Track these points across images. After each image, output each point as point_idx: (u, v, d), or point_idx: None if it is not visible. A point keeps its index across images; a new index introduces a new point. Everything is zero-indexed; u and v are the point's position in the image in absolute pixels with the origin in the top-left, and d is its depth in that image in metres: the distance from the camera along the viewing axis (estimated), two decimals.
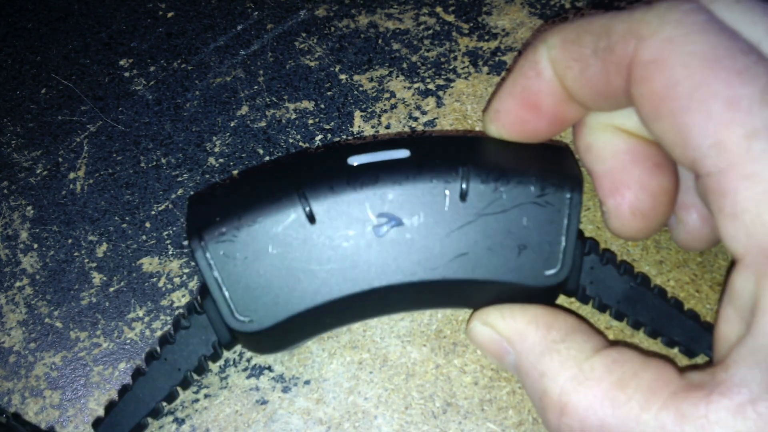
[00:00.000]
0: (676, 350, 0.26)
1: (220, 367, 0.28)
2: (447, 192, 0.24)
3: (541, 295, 0.25)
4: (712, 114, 0.18)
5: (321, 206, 0.24)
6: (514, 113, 0.25)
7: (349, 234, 0.24)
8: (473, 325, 0.25)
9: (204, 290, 0.25)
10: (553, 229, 0.24)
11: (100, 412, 0.28)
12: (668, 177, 0.24)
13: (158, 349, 0.26)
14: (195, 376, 0.26)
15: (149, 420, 0.26)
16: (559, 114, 0.24)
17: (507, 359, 0.24)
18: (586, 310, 0.28)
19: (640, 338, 0.27)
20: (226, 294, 0.24)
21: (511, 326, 0.24)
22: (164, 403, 0.26)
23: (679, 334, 0.25)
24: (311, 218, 0.24)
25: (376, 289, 0.24)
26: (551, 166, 0.25)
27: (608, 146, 0.24)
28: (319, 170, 0.25)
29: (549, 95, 0.24)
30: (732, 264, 0.20)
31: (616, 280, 0.26)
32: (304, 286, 0.24)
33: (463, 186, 0.24)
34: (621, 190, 0.24)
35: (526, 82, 0.24)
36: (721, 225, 0.19)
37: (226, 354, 0.28)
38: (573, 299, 0.27)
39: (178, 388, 0.26)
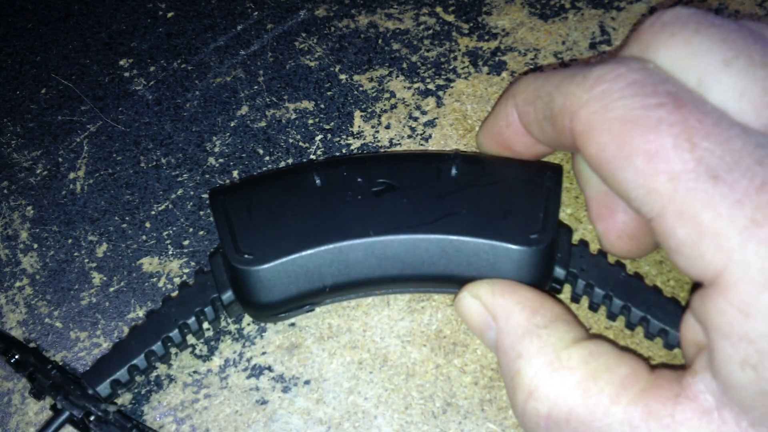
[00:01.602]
0: (675, 351, 0.26)
1: (220, 367, 0.28)
2: (439, 166, 0.27)
3: (529, 268, 0.25)
4: (637, 168, 0.20)
5: (326, 173, 0.27)
6: (494, 149, 0.29)
7: (349, 194, 0.27)
8: (462, 296, 0.25)
9: (213, 251, 0.27)
10: (536, 199, 0.26)
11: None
12: None
13: (160, 304, 0.27)
14: (190, 336, 0.27)
15: (137, 375, 0.27)
16: (531, 152, 0.28)
17: (488, 334, 0.25)
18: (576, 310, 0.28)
19: (620, 334, 0.27)
20: (233, 234, 0.26)
21: (498, 302, 0.24)
22: (156, 361, 0.27)
23: (671, 322, 0.25)
24: (317, 181, 0.27)
25: (371, 243, 0.26)
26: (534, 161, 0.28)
27: (593, 174, 0.26)
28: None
29: (519, 142, 0.27)
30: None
31: (608, 269, 0.27)
32: (307, 234, 0.26)
33: (454, 164, 0.27)
34: (607, 215, 0.26)
35: (499, 128, 0.27)
36: (672, 260, 0.20)
37: (224, 353, 0.28)
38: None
39: (173, 348, 0.27)
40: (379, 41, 0.36)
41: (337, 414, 0.27)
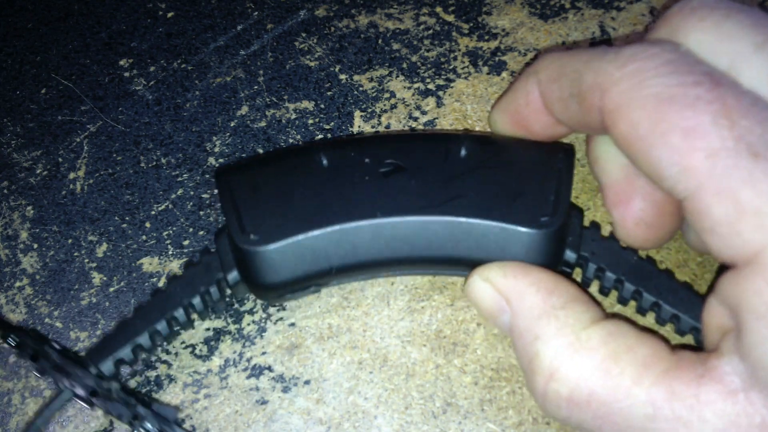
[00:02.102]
0: (688, 337, 0.26)
1: (220, 367, 0.28)
2: (448, 147, 0.27)
3: (539, 251, 0.25)
4: (673, 144, 0.20)
5: (333, 153, 0.27)
6: (509, 127, 0.28)
7: (356, 175, 0.26)
8: (472, 280, 0.25)
9: (219, 230, 0.27)
10: (547, 180, 0.26)
11: (101, 412, 0.28)
12: None
13: (165, 284, 0.27)
14: (195, 315, 0.27)
15: (140, 353, 0.27)
16: (548, 133, 0.27)
17: (501, 318, 0.24)
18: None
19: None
20: (239, 214, 0.26)
21: (511, 285, 0.24)
22: (160, 341, 0.27)
23: (683, 308, 0.25)
24: (324, 162, 0.27)
25: (378, 224, 0.25)
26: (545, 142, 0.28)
27: (612, 159, 0.26)
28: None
29: (537, 121, 0.26)
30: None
31: (620, 253, 0.26)
32: (313, 215, 0.26)
33: (464, 144, 0.26)
34: (625, 202, 0.25)
35: (517, 106, 0.27)
36: (705, 240, 0.20)
37: (224, 353, 0.28)
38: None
39: (176, 327, 0.27)
40: (379, 41, 0.36)
41: (337, 414, 0.27)
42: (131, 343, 0.26)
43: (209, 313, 0.28)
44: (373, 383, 0.27)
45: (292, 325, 0.29)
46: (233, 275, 0.27)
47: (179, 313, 0.27)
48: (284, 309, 0.29)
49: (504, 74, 0.34)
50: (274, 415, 0.27)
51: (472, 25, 0.36)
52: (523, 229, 0.25)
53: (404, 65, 0.35)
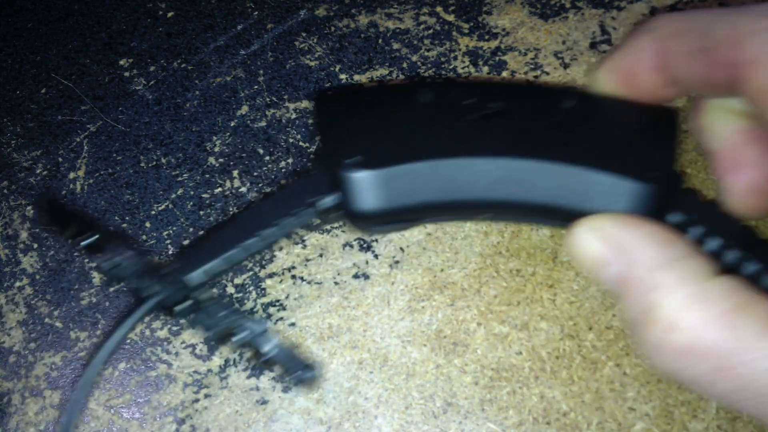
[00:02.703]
0: None
1: (220, 366, 0.28)
2: (555, 98, 0.26)
3: (646, 204, 0.24)
4: None
5: (437, 90, 0.26)
6: (615, 87, 0.27)
7: (460, 114, 0.26)
8: (579, 230, 0.24)
9: (317, 153, 0.27)
10: (654, 139, 0.25)
11: (100, 411, 0.28)
12: None
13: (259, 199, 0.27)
14: (284, 238, 0.27)
15: (228, 267, 0.26)
16: (656, 94, 0.26)
17: (606, 271, 0.24)
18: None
19: None
20: (339, 137, 0.26)
21: (626, 235, 0.23)
22: (249, 256, 0.26)
23: None
24: (428, 98, 0.26)
25: (482, 163, 0.25)
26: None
27: (723, 127, 0.25)
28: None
29: (648, 80, 0.26)
30: None
31: (724, 218, 0.26)
32: (415, 147, 0.25)
33: (571, 97, 0.26)
34: (738, 168, 0.25)
35: (629, 63, 0.26)
36: None
37: (224, 353, 0.28)
38: None
39: (264, 246, 0.26)
40: (380, 41, 0.36)
41: (338, 414, 0.27)
42: (222, 256, 0.26)
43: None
44: (374, 383, 0.27)
45: (293, 325, 0.29)
46: (328, 200, 0.26)
47: (271, 231, 0.26)
48: (284, 309, 0.29)
49: (504, 74, 0.34)
50: (274, 415, 0.27)
51: (472, 24, 0.36)
52: (630, 182, 0.24)
53: (404, 65, 0.35)
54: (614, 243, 0.23)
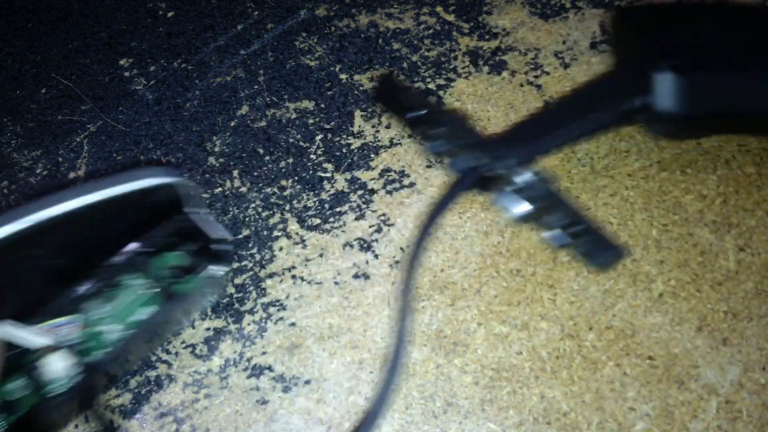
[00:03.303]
0: None
1: (220, 367, 0.28)
2: None
3: None
4: None
5: (737, 12, 0.28)
6: None
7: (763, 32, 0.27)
8: None
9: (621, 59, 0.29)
10: None
11: (101, 411, 0.28)
12: None
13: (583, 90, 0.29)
14: (601, 126, 0.28)
15: (552, 149, 0.28)
16: None
17: None
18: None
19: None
20: (656, 43, 0.27)
21: None
22: (568, 141, 0.28)
23: None
24: (729, 19, 0.28)
25: None
26: None
27: None
28: None
29: None
30: None
31: None
32: (724, 56, 0.27)
33: None
34: None
35: None
36: None
37: (224, 353, 0.28)
38: None
39: (583, 134, 0.28)
40: (380, 41, 0.36)
41: (338, 414, 0.27)
42: (547, 138, 0.27)
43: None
44: (374, 383, 0.27)
45: (293, 325, 0.29)
46: (637, 101, 0.27)
47: (579, 124, 0.28)
48: (284, 309, 0.29)
49: (504, 74, 0.34)
50: (274, 415, 0.27)
51: (472, 24, 0.36)
52: None
53: (405, 65, 0.35)
54: None
